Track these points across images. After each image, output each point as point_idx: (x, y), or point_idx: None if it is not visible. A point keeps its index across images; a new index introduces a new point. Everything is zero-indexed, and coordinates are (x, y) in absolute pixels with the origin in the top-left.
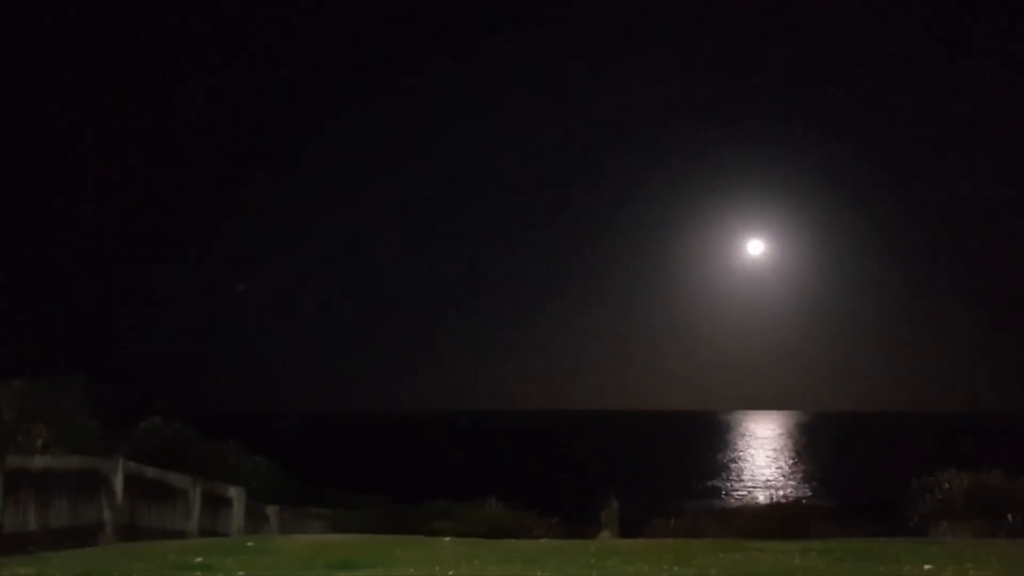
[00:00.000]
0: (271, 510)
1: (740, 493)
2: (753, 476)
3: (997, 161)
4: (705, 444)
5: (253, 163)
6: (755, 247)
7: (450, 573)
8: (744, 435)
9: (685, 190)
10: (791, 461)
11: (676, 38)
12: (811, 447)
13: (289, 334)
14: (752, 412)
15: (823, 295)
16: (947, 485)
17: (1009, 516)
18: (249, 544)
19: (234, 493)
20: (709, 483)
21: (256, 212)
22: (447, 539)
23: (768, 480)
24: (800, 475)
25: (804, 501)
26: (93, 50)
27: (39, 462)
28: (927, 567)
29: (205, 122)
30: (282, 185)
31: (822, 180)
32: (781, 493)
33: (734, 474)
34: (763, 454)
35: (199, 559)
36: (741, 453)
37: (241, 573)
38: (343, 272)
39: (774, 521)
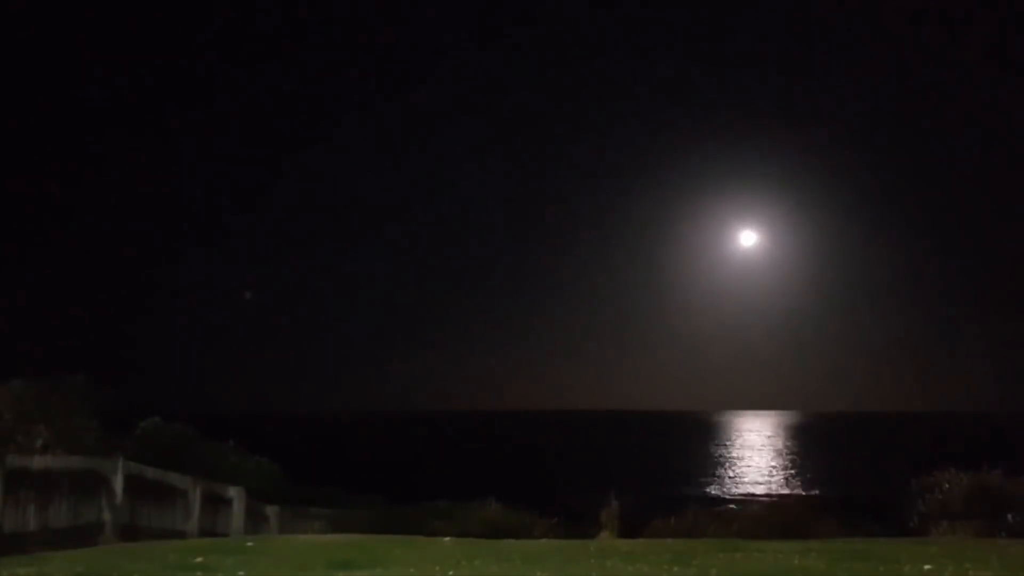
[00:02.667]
0: (271, 510)
1: (740, 493)
2: (752, 476)
3: (997, 158)
4: (703, 445)
5: (252, 166)
6: (748, 238)
7: (450, 573)
8: (742, 436)
9: (677, 182)
10: (790, 461)
11: (670, 35)
12: (810, 447)
13: (289, 335)
14: (748, 412)
15: (820, 290)
16: (947, 485)
17: (1009, 516)
18: (249, 544)
19: (234, 493)
20: (708, 483)
21: (257, 214)
22: (447, 539)
23: (767, 480)
24: (799, 475)
25: (803, 501)
26: (104, 52)
27: (39, 462)
28: (927, 567)
29: (208, 126)
30: (281, 188)
31: (816, 170)
32: (781, 493)
33: (733, 474)
34: (762, 454)
35: (199, 559)
36: (740, 454)
37: (241, 573)
38: (343, 273)
39: (774, 521)
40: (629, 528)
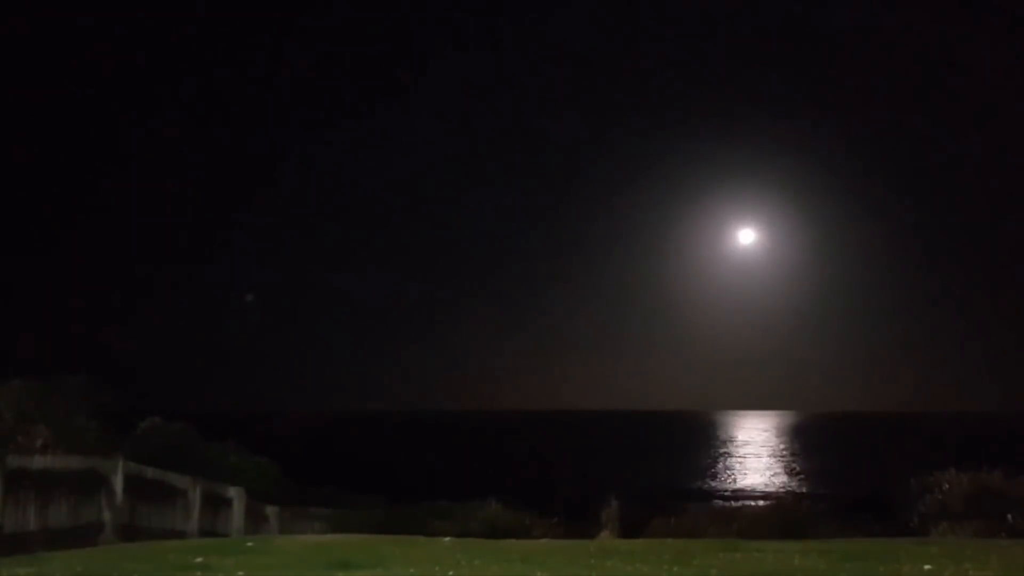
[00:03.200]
0: (271, 510)
1: (740, 493)
2: (752, 476)
3: (999, 153)
4: (703, 444)
5: (252, 164)
6: (746, 236)
7: (450, 573)
8: (741, 436)
9: (674, 180)
10: (789, 462)
11: (666, 31)
12: (810, 447)
13: (289, 334)
14: (747, 412)
15: (819, 288)
16: (947, 485)
17: (1009, 516)
18: (249, 544)
19: (234, 493)
20: (708, 483)
21: (256, 213)
22: (447, 539)
23: (767, 480)
24: (799, 475)
25: (804, 501)
26: (101, 51)
27: (39, 462)
28: (927, 567)
29: (209, 123)
30: (280, 187)
31: (815, 165)
32: (780, 493)
33: (733, 474)
34: (761, 454)
35: (199, 559)
36: (739, 453)
37: (241, 573)
38: (342, 272)
39: (774, 521)
40: (629, 528)
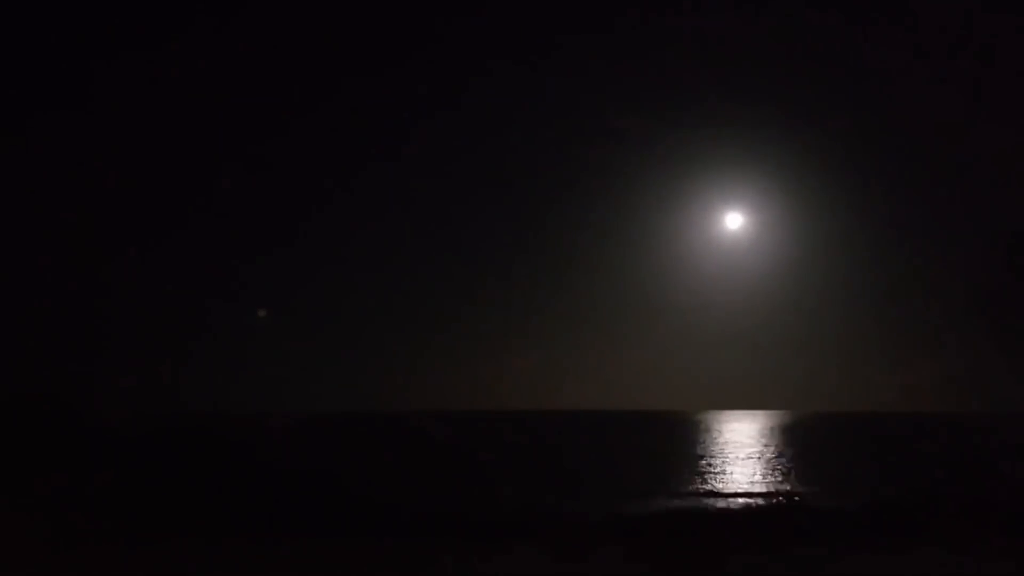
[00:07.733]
0: None
1: (733, 494)
2: (747, 477)
3: (1000, 145)
4: (696, 445)
5: (249, 156)
6: (734, 220)
7: None
8: (734, 436)
9: (663, 170)
10: (784, 463)
11: (656, 21)
12: (807, 448)
13: (289, 334)
14: (741, 412)
15: (813, 280)
16: (946, 487)
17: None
18: None
19: None
20: (700, 484)
21: (252, 208)
22: None
23: (763, 481)
24: (795, 476)
25: (799, 502)
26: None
27: None
28: (928, 569)
29: (207, 125)
30: (279, 181)
31: (809, 142)
32: (777, 495)
33: (726, 475)
34: (755, 456)
35: None
36: (733, 454)
37: None
38: (341, 271)
39: (769, 523)
40: (622, 531)
